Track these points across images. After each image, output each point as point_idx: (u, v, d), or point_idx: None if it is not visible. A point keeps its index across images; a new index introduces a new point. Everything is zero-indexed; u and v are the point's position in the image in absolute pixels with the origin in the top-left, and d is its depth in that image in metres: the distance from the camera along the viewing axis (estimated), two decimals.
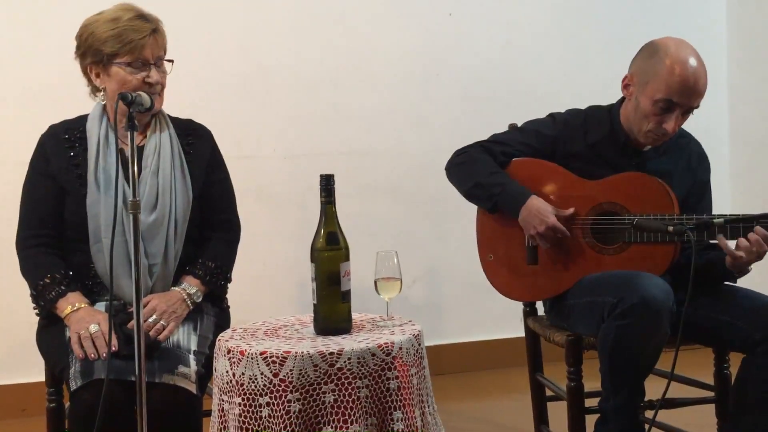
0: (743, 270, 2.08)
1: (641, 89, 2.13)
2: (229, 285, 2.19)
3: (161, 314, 1.98)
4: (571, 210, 2.18)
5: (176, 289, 2.06)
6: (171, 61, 2.08)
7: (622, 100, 2.25)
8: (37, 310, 2.06)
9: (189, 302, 2.05)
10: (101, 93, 2.07)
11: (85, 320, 1.93)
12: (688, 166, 2.26)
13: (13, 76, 3.03)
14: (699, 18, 3.68)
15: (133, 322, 1.75)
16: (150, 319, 1.96)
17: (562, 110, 2.35)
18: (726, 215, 2.04)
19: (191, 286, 2.07)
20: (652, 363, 2.06)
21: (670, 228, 2.03)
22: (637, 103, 2.15)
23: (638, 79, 2.14)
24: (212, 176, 2.17)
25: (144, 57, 2.01)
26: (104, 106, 2.10)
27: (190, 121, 2.22)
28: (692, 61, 2.08)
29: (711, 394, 2.31)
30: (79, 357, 1.89)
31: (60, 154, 2.07)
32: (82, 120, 2.12)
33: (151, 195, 2.04)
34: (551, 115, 2.34)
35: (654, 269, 2.09)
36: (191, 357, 1.95)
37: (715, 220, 2.03)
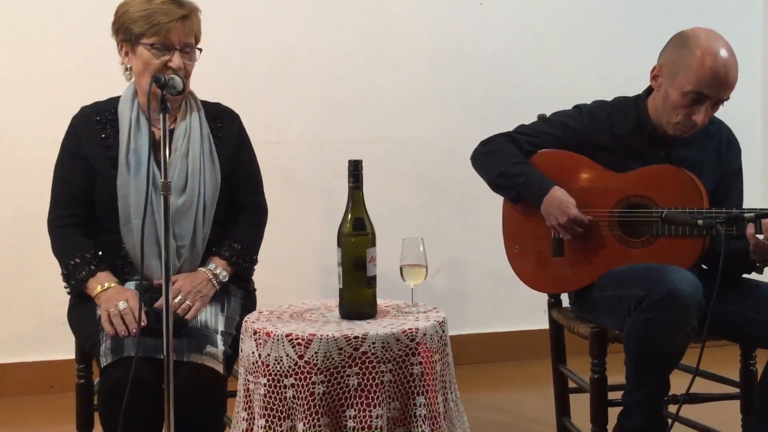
0: (765, 259, 2.03)
1: (670, 81, 2.11)
2: (255, 267, 2.21)
3: (186, 294, 2.01)
4: (590, 217, 2.16)
5: (202, 269, 2.08)
6: (200, 49, 2.09)
7: (648, 90, 2.23)
8: (68, 289, 2.09)
9: (215, 282, 2.07)
10: (128, 72, 2.10)
11: (114, 298, 1.97)
12: (719, 153, 2.23)
13: (47, 57, 3.07)
14: (734, 11, 3.63)
15: (162, 301, 1.78)
16: (176, 299, 1.99)
17: (590, 102, 2.34)
18: (757, 209, 2.02)
19: (217, 267, 2.09)
20: (678, 357, 2.04)
21: (700, 221, 2.01)
22: (666, 95, 2.12)
23: (667, 70, 2.12)
24: (239, 159, 2.19)
25: (169, 41, 2.02)
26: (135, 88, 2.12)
27: (218, 105, 2.24)
28: (723, 53, 2.05)
29: (736, 390, 2.29)
30: (109, 334, 1.92)
31: (91, 135, 2.09)
32: (113, 102, 2.14)
33: (180, 178, 2.06)
34: (577, 107, 2.32)
35: (682, 263, 2.07)
36: (218, 337, 1.97)
37: (745, 215, 2.00)
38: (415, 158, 3.41)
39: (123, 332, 1.91)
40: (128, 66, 2.09)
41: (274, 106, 3.25)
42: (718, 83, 2.05)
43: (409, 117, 3.40)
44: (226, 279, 2.10)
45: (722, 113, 2.21)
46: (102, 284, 2.01)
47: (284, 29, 3.27)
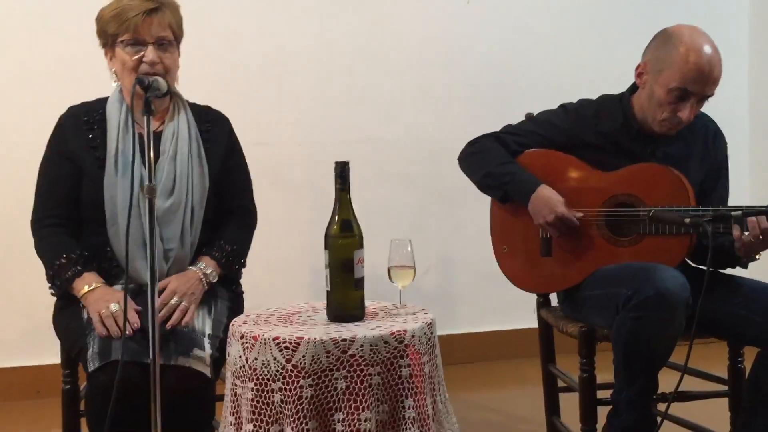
0: (750, 254, 2.04)
1: (655, 78, 2.11)
2: (243, 270, 2.20)
3: (182, 296, 1.99)
4: (580, 214, 2.16)
5: (192, 268, 2.07)
6: (177, 43, 2.07)
7: (633, 88, 2.23)
8: (52, 290, 2.07)
9: (205, 282, 2.06)
10: (115, 76, 2.09)
11: (104, 299, 1.95)
12: (705, 147, 2.24)
13: (38, 59, 3.05)
14: (720, 7, 3.64)
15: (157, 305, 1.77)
16: (173, 301, 1.97)
17: (576, 101, 2.34)
18: (743, 207, 2.02)
19: (207, 267, 2.08)
20: (666, 356, 2.05)
21: (687, 220, 2.02)
22: (651, 92, 2.13)
23: (652, 67, 2.12)
24: (229, 163, 2.18)
25: (140, 35, 2.00)
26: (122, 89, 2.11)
27: (208, 108, 2.23)
28: (707, 49, 2.06)
29: (724, 387, 2.30)
30: (101, 335, 1.90)
31: (79, 135, 2.08)
32: (101, 102, 2.13)
33: (168, 180, 2.05)
34: (563, 106, 2.33)
35: (669, 261, 2.07)
36: (206, 340, 1.96)
37: (732, 213, 2.00)
38: (405, 158, 3.41)
39: (117, 333, 1.89)
40: (112, 69, 2.08)
41: (262, 106, 3.24)
42: (702, 79, 2.06)
43: (398, 117, 3.39)
44: (215, 279, 2.09)
45: (709, 109, 2.21)
46: (89, 284, 1.99)
47: (272, 29, 3.25)
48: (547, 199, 2.16)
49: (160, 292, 1.97)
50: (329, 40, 3.30)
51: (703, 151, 2.24)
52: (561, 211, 2.14)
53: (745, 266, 2.13)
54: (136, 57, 2.00)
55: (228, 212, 2.18)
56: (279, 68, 3.27)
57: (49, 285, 2.07)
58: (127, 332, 1.87)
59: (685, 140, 2.22)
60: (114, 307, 1.92)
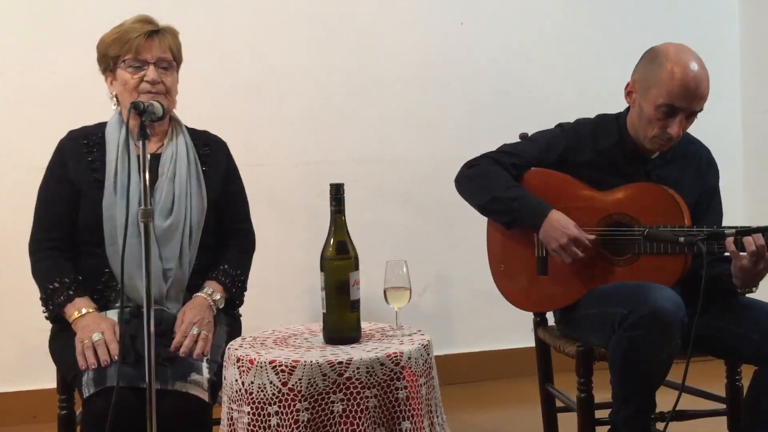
0: (747, 284, 2.05)
1: (643, 95, 2.13)
2: (245, 294, 2.20)
3: (200, 326, 2.00)
4: (592, 237, 2.15)
5: (201, 294, 2.07)
6: (176, 66, 2.10)
7: (630, 107, 2.25)
8: (46, 314, 2.07)
9: (214, 308, 2.07)
10: (114, 100, 2.11)
11: (90, 328, 1.94)
12: (698, 172, 2.26)
13: (32, 82, 3.06)
14: (712, 25, 3.67)
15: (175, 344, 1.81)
16: (194, 331, 1.98)
17: (575, 118, 2.35)
18: (737, 226, 2.03)
19: (216, 293, 2.09)
20: (663, 375, 2.04)
21: (682, 239, 2.02)
22: (640, 110, 2.15)
23: (640, 85, 2.14)
24: (229, 187, 2.20)
25: (141, 55, 2.04)
26: (121, 112, 2.12)
27: (206, 133, 2.26)
28: (693, 65, 2.07)
29: (723, 406, 2.29)
30: (81, 367, 1.90)
31: (78, 158, 2.09)
32: (101, 126, 2.15)
33: (167, 201, 2.06)
34: (560, 125, 2.34)
35: (664, 280, 2.07)
36: (204, 365, 1.95)
37: (726, 232, 2.01)
38: (400, 178, 3.41)
39: (93, 365, 1.88)
40: (114, 94, 2.11)
41: (257, 128, 3.25)
42: (689, 95, 2.07)
43: (393, 136, 3.40)
44: (222, 305, 2.10)
45: (702, 127, 2.22)
46: (79, 310, 1.99)
47: (266, 50, 3.27)
48: (560, 223, 2.15)
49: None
50: (323, 61, 3.32)
51: (695, 178, 2.25)
52: (575, 233, 2.13)
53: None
54: (138, 76, 2.04)
55: (228, 235, 2.19)
56: (273, 90, 3.28)
57: (43, 309, 2.07)
58: (103, 364, 1.87)
59: (679, 165, 2.24)
60: (96, 336, 1.91)
